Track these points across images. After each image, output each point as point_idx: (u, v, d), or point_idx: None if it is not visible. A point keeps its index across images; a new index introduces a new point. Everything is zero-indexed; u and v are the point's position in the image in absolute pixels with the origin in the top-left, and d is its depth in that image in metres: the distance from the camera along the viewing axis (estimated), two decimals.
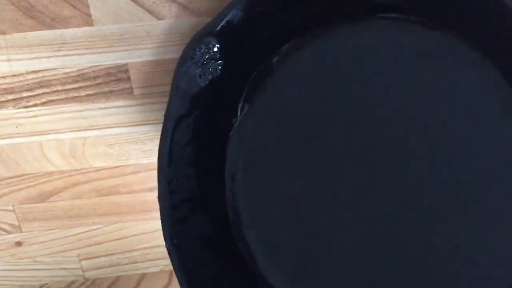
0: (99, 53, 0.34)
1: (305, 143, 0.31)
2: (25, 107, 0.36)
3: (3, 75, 0.34)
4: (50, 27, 0.33)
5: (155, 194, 0.39)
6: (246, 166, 0.32)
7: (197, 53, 0.27)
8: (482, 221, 0.29)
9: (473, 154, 0.28)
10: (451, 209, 0.29)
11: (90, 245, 0.43)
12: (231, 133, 0.32)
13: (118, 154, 0.38)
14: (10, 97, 0.35)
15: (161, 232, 0.42)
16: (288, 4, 0.28)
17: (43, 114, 0.36)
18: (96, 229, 0.42)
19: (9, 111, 0.36)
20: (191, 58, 0.27)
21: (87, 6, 0.32)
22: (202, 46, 0.27)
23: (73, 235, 0.42)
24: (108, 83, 0.35)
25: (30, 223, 0.41)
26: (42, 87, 0.35)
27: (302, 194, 0.31)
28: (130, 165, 0.39)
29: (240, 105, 0.31)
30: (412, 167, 0.29)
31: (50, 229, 0.42)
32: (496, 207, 0.29)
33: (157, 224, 0.41)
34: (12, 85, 0.35)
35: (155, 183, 0.38)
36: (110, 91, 0.36)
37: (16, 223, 0.41)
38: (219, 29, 0.27)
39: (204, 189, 0.32)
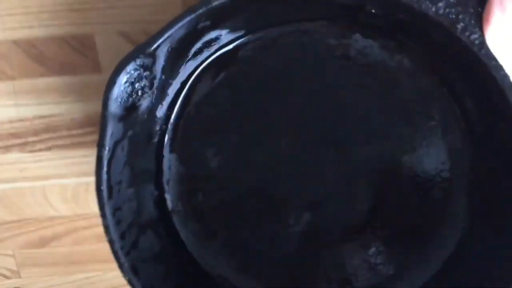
0: None
1: (235, 140, 0.34)
2: (30, 151, 0.37)
3: (11, 120, 0.36)
4: (59, 73, 0.34)
5: None
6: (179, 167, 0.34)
7: (130, 73, 0.28)
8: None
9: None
10: None
11: None
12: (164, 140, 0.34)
13: None
14: (16, 141, 0.36)
15: None
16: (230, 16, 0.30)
17: (48, 159, 0.37)
18: (95, 276, 0.42)
19: (14, 155, 0.37)
20: (124, 79, 0.28)
21: (96, 54, 0.33)
22: (135, 66, 0.27)
23: (72, 281, 0.42)
24: None
25: (29, 269, 0.41)
26: (48, 132, 0.36)
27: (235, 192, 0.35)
28: None
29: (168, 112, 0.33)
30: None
31: (49, 275, 0.42)
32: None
33: None
34: (18, 130, 0.36)
35: None
36: None
37: (15, 268, 0.41)
38: (153, 49, 0.28)
39: (144, 205, 0.33)
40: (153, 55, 0.27)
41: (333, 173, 0.34)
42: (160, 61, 0.28)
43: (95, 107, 0.35)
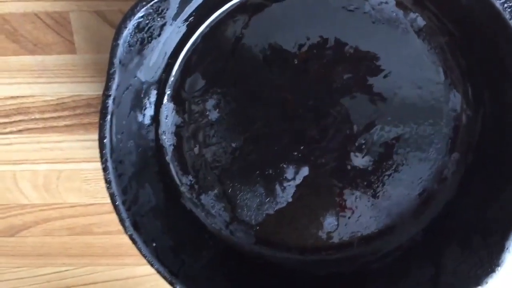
0: (80, 82, 0.34)
1: (236, 94, 0.34)
2: (1, 133, 0.36)
3: None
4: (32, 52, 0.33)
5: None
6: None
7: (143, 18, 0.27)
8: None
9: None
10: None
11: None
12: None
13: (94, 191, 0.38)
14: None
15: (132, 280, 0.40)
16: None
17: (19, 143, 0.37)
18: (65, 270, 0.41)
19: None
20: (136, 25, 0.27)
21: (71, 34, 0.33)
22: (150, 10, 0.27)
23: (41, 275, 0.41)
24: (88, 114, 0.35)
25: None
26: (19, 114, 0.36)
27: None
28: (107, 203, 0.38)
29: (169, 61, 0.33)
30: None
31: (17, 267, 0.41)
32: None
33: (129, 271, 0.40)
34: None
35: None
36: (90, 123, 0.36)
37: None
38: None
39: (142, 158, 0.33)
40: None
41: (334, 128, 0.35)
42: (173, 7, 0.28)
43: (70, 89, 0.35)
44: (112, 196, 0.31)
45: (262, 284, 0.36)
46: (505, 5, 0.26)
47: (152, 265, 0.32)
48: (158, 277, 0.40)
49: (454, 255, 0.33)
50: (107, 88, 0.28)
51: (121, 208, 0.31)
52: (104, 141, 0.29)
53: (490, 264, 0.31)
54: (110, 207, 0.38)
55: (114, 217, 0.38)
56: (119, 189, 0.31)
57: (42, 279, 0.42)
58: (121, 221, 0.31)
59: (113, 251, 0.40)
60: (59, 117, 0.36)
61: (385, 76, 0.34)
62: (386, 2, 0.32)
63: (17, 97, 0.35)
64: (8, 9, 0.33)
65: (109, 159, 0.30)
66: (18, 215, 0.39)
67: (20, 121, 0.36)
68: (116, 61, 0.27)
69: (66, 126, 0.36)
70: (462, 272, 0.32)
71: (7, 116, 0.36)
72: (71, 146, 0.37)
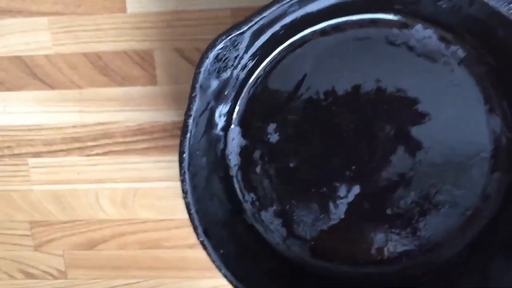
0: (158, 110, 0.40)
1: (296, 118, 0.39)
2: (88, 155, 0.42)
3: (75, 125, 0.41)
4: (120, 84, 0.39)
5: (195, 251, 0.43)
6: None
7: (221, 48, 0.32)
8: None
9: None
10: None
11: None
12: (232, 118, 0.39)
13: (165, 208, 0.43)
14: (77, 145, 0.41)
15: None
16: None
17: (103, 163, 0.42)
18: (135, 283, 0.45)
19: (73, 158, 0.42)
20: (215, 56, 0.32)
21: (154, 68, 0.38)
22: (227, 43, 0.32)
23: (113, 286, 0.45)
24: (164, 138, 0.41)
25: (76, 270, 0.45)
26: (105, 138, 0.41)
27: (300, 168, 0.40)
28: (175, 219, 0.43)
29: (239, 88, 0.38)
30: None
31: (93, 279, 0.45)
32: None
33: (192, 284, 0.44)
34: (80, 134, 0.41)
35: (195, 240, 0.42)
36: (165, 146, 0.41)
37: (63, 269, 0.45)
38: (247, 28, 0.32)
39: (212, 174, 0.38)
40: (243, 34, 0.32)
41: (382, 149, 0.39)
42: (246, 41, 0.33)
43: (149, 117, 0.40)
44: (187, 205, 0.35)
45: None
46: None
47: (219, 269, 0.36)
48: None
49: (500, 266, 0.36)
50: (188, 109, 0.33)
51: (195, 216, 0.35)
52: (184, 155, 0.34)
53: None
54: (178, 222, 0.43)
55: (181, 232, 0.43)
56: (194, 199, 0.35)
57: None
58: (195, 228, 0.35)
59: (179, 265, 0.44)
60: (138, 140, 0.41)
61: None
62: (430, 37, 0.36)
63: (104, 123, 0.41)
64: (102, 48, 0.39)
65: (187, 171, 0.34)
66: (97, 229, 0.44)
67: (105, 144, 0.42)
68: (198, 86, 0.32)
69: (144, 148, 0.41)
70: (509, 282, 0.35)
71: (95, 139, 0.42)
72: (147, 167, 0.42)
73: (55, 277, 0.47)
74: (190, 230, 0.44)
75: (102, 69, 0.40)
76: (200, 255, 0.44)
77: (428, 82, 0.37)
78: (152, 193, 0.43)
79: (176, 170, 0.42)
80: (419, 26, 0.36)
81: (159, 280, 0.46)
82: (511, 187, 0.38)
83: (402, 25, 0.36)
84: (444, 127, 0.38)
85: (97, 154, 0.42)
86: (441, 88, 0.37)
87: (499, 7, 0.30)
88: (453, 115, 0.38)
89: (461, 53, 0.36)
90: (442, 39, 0.36)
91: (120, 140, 0.42)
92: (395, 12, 0.36)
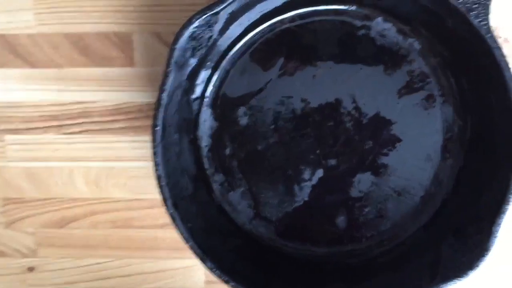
0: (135, 91, 0.42)
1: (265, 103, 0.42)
2: (65, 133, 0.44)
3: (53, 103, 0.43)
4: (99, 65, 0.41)
5: (164, 231, 0.45)
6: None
7: (196, 27, 0.34)
8: None
9: None
10: None
11: (97, 279, 0.47)
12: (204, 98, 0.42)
13: (137, 187, 0.45)
14: (55, 123, 0.43)
15: (163, 273, 0.45)
16: None
17: (79, 142, 0.44)
18: (105, 262, 0.46)
19: (50, 136, 0.44)
20: (190, 34, 0.35)
21: (132, 50, 0.41)
22: (201, 22, 0.34)
23: (83, 266, 0.47)
24: (139, 118, 0.43)
25: (46, 249, 0.47)
26: (82, 117, 0.43)
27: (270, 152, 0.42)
28: (147, 199, 0.44)
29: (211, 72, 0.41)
30: None
31: (63, 257, 0.46)
32: None
33: (162, 264, 0.46)
34: (58, 113, 0.44)
35: (166, 220, 0.44)
36: (140, 126, 0.43)
37: (34, 247, 0.46)
38: (221, 9, 0.35)
39: (183, 151, 0.40)
40: (217, 14, 0.35)
41: (346, 134, 0.41)
42: (220, 22, 0.36)
43: (125, 97, 0.43)
44: (158, 178, 0.37)
45: (280, 271, 0.41)
46: (481, 23, 0.33)
47: (187, 241, 0.38)
48: (186, 270, 0.46)
49: (450, 244, 0.39)
50: (163, 83, 0.35)
51: (165, 188, 0.37)
52: (156, 128, 0.36)
53: (481, 249, 0.36)
54: (150, 202, 0.45)
55: (152, 212, 0.45)
56: (165, 172, 0.37)
57: (84, 270, 0.47)
58: (164, 200, 0.37)
59: (149, 244, 0.46)
60: (114, 120, 0.43)
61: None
62: (389, 29, 0.40)
63: (82, 102, 0.43)
64: (84, 29, 0.42)
65: (159, 144, 0.36)
66: (70, 208, 0.46)
67: (82, 123, 0.44)
68: (173, 61, 0.35)
69: (120, 128, 0.43)
70: (458, 259, 0.37)
71: (72, 118, 0.43)
72: (122, 146, 0.44)
73: (25, 255, 0.47)
74: (161, 210, 0.45)
75: (83, 49, 0.42)
76: (169, 235, 0.46)
77: (388, 74, 0.41)
78: (125, 172, 0.45)
79: (149, 151, 0.44)
80: (379, 19, 0.40)
81: (129, 260, 0.47)
82: (461, 172, 0.41)
83: (364, 17, 0.40)
84: (405, 117, 0.41)
85: (73, 133, 0.44)
86: (397, 81, 0.41)
87: None
88: (413, 107, 0.41)
89: (417, 45, 0.40)
90: (400, 31, 0.40)
91: (97, 119, 0.44)
92: (358, 4, 0.39)
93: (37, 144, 0.44)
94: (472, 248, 0.37)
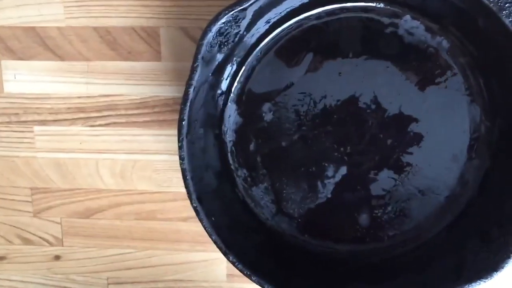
0: (161, 85, 0.42)
1: (295, 107, 0.42)
2: (91, 126, 0.44)
3: (80, 95, 0.44)
4: (126, 59, 0.42)
5: (188, 224, 0.45)
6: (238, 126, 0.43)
7: (223, 23, 0.35)
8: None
9: None
10: None
11: (120, 269, 0.48)
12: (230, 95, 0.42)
13: (162, 180, 0.45)
14: (81, 115, 0.44)
15: (185, 265, 0.46)
16: None
17: (105, 134, 0.44)
18: (128, 253, 0.47)
19: (77, 128, 0.45)
20: (218, 29, 0.35)
21: (159, 44, 0.41)
22: (229, 18, 0.35)
23: (107, 256, 0.47)
24: (164, 112, 0.43)
25: (72, 238, 0.48)
26: (109, 109, 0.44)
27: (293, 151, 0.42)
28: (171, 192, 0.45)
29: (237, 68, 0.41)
30: None
31: (88, 247, 0.47)
32: None
33: (184, 257, 0.46)
34: (85, 105, 0.44)
35: (189, 213, 0.45)
36: (165, 120, 0.43)
37: (60, 236, 0.47)
38: (249, 4, 0.35)
39: (208, 146, 0.40)
40: (245, 10, 0.35)
41: (370, 132, 0.41)
42: (247, 18, 0.36)
43: (151, 91, 0.43)
44: (183, 172, 0.38)
45: (301, 268, 0.42)
46: None
47: (210, 235, 0.39)
48: (207, 263, 0.46)
49: (475, 246, 0.38)
50: (190, 78, 0.36)
51: (190, 182, 0.38)
52: (183, 122, 0.37)
53: (506, 251, 0.36)
54: (173, 195, 0.45)
55: (176, 205, 0.46)
56: (190, 166, 0.38)
57: (108, 260, 0.48)
58: (189, 194, 0.38)
59: (172, 237, 0.47)
60: (140, 114, 0.44)
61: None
62: (417, 27, 0.39)
63: (109, 95, 0.44)
64: (112, 23, 0.42)
65: (185, 138, 0.37)
66: (95, 199, 0.47)
67: (108, 116, 0.44)
68: (200, 57, 0.35)
69: (145, 122, 0.44)
70: (482, 261, 0.37)
71: (98, 111, 0.44)
72: (147, 139, 0.45)
73: (51, 244, 0.49)
74: (184, 203, 0.46)
75: (110, 43, 0.43)
76: (192, 228, 0.46)
77: (414, 72, 0.40)
78: (150, 165, 0.45)
79: (174, 144, 0.44)
80: (407, 17, 0.39)
81: (152, 251, 0.48)
82: (487, 173, 0.40)
83: (392, 15, 0.39)
84: (430, 116, 0.40)
85: (100, 125, 0.45)
86: (425, 78, 0.40)
87: None
88: (439, 106, 0.40)
89: (445, 44, 0.39)
90: (428, 29, 0.39)
91: (123, 112, 0.44)
92: (386, 1, 0.39)
93: (64, 136, 0.45)
94: (497, 251, 0.37)
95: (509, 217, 0.37)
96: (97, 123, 0.45)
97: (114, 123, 0.45)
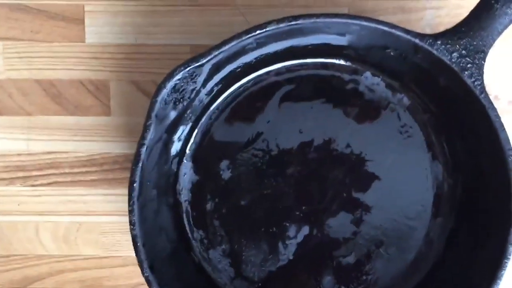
0: (110, 141, 0.40)
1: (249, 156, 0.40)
2: (32, 185, 0.41)
3: (20, 153, 0.41)
4: (72, 113, 0.39)
5: None
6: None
7: (178, 79, 0.33)
8: None
9: None
10: None
11: None
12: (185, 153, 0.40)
13: (110, 244, 0.42)
14: (20, 174, 0.41)
15: None
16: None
17: (47, 195, 0.41)
18: None
19: (15, 188, 0.41)
20: (173, 86, 0.33)
21: (108, 99, 0.39)
22: (185, 74, 0.33)
23: None
24: (114, 170, 0.41)
25: None
26: (52, 168, 0.41)
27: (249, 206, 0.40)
28: (120, 256, 0.42)
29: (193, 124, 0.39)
30: None
31: None
32: None
33: None
34: (25, 163, 0.41)
35: (141, 279, 0.41)
36: (114, 179, 0.41)
37: None
38: (206, 61, 0.33)
39: (161, 208, 0.38)
40: (202, 67, 0.33)
41: (332, 190, 0.40)
42: (204, 74, 0.34)
43: (100, 148, 0.41)
44: (134, 238, 0.35)
45: None
46: (475, 83, 0.33)
47: None
48: None
49: None
50: (142, 137, 0.33)
51: (141, 249, 0.35)
52: (134, 185, 0.34)
53: None
54: (123, 260, 0.42)
55: (125, 271, 0.42)
56: (141, 231, 0.35)
57: None
58: (140, 262, 0.35)
59: None
60: (87, 172, 0.41)
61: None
62: (378, 84, 0.39)
63: (52, 152, 0.41)
64: (58, 75, 0.40)
65: (136, 202, 0.34)
66: (34, 265, 0.42)
67: (51, 174, 0.41)
68: (153, 114, 0.33)
69: (92, 180, 0.41)
70: None
71: (40, 169, 0.41)
72: (94, 199, 0.41)
73: None
74: (135, 269, 0.43)
75: (55, 97, 0.40)
76: None
77: (375, 129, 0.40)
78: (97, 227, 0.42)
79: (124, 205, 0.41)
80: (367, 73, 0.39)
81: None
82: (452, 232, 0.40)
83: (352, 71, 0.39)
84: (394, 173, 0.40)
85: (42, 185, 0.41)
86: (387, 136, 0.40)
87: (441, 56, 0.33)
88: (402, 162, 0.39)
89: (406, 101, 0.39)
90: (389, 86, 0.39)
91: (68, 170, 0.41)
92: (346, 58, 0.39)
93: (1, 197, 0.41)
94: None
95: (478, 280, 0.36)
96: (38, 182, 0.41)
97: (57, 182, 0.41)
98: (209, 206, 0.40)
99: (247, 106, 0.40)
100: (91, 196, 0.41)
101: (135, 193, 0.34)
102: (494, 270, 0.34)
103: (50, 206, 0.42)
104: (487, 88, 0.35)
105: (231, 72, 0.38)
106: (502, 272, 0.34)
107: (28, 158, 0.41)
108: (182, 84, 0.34)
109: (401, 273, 0.40)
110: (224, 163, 0.40)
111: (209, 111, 0.39)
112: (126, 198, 0.39)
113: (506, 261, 0.34)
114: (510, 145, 0.33)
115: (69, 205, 0.42)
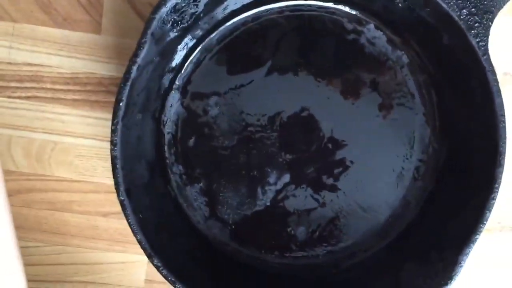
0: (97, 61, 0.38)
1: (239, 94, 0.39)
2: (9, 97, 0.39)
3: (0, 61, 0.37)
4: (60, 26, 0.37)
5: (108, 220, 0.41)
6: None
7: (181, 1, 0.32)
8: None
9: None
10: None
11: (24, 265, 0.41)
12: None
13: (84, 168, 0.41)
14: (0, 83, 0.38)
15: (99, 266, 0.42)
16: None
17: (24, 108, 0.40)
18: (35, 247, 0.42)
19: None
20: (174, 5, 0.32)
21: (100, 15, 0.37)
22: None
23: None
24: (97, 92, 0.39)
25: None
26: (32, 81, 0.39)
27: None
28: (93, 182, 0.41)
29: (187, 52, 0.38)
30: None
31: None
32: None
33: (99, 256, 0.42)
34: (4, 72, 0.39)
35: (111, 208, 0.40)
36: (96, 101, 0.39)
37: None
38: None
39: (144, 135, 0.37)
40: None
41: (318, 141, 0.40)
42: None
43: (85, 66, 0.39)
44: (114, 159, 0.34)
45: (232, 279, 0.39)
46: (480, 43, 0.33)
47: (135, 234, 0.35)
48: (125, 266, 0.42)
49: (411, 270, 0.38)
50: (135, 55, 0.32)
51: (120, 172, 0.34)
52: (120, 104, 0.33)
53: (443, 277, 0.35)
54: (96, 186, 0.41)
55: (97, 197, 0.41)
56: (122, 154, 0.34)
57: None
58: (116, 184, 0.34)
59: (88, 233, 0.42)
60: (68, 90, 0.39)
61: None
62: (379, 38, 0.39)
63: (35, 64, 0.39)
64: None
65: (120, 122, 0.33)
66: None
67: (31, 88, 0.39)
68: (149, 32, 0.32)
69: (73, 100, 0.39)
70: (418, 284, 0.36)
71: (20, 81, 0.39)
72: (73, 120, 0.40)
73: None
74: (107, 196, 0.42)
75: (44, 6, 0.38)
76: (113, 225, 0.42)
77: (369, 85, 0.39)
78: (73, 149, 0.41)
79: (104, 129, 0.40)
80: (371, 25, 0.39)
81: (62, 247, 0.42)
82: (431, 196, 0.40)
83: (357, 21, 0.38)
84: (380, 131, 0.39)
85: (19, 97, 0.40)
86: (379, 93, 0.39)
87: (450, 11, 0.32)
88: (390, 122, 0.39)
89: (405, 59, 0.39)
90: (390, 41, 0.39)
91: (49, 86, 0.39)
92: (353, 6, 0.38)
93: None
94: (433, 276, 0.36)
95: (451, 242, 0.36)
96: (16, 94, 0.40)
97: (37, 97, 0.40)
98: (191, 142, 0.40)
99: (244, 42, 0.39)
100: (70, 116, 0.40)
101: (120, 113, 0.33)
102: (469, 234, 0.34)
103: (26, 120, 0.40)
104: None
105: (233, 4, 0.37)
106: (477, 237, 0.34)
107: (9, 68, 0.39)
108: (183, 5, 0.33)
109: (373, 232, 0.40)
110: (213, 99, 0.39)
111: (204, 43, 0.38)
112: (107, 123, 0.38)
113: (481, 225, 0.34)
114: (503, 110, 0.34)
115: (46, 122, 0.40)
